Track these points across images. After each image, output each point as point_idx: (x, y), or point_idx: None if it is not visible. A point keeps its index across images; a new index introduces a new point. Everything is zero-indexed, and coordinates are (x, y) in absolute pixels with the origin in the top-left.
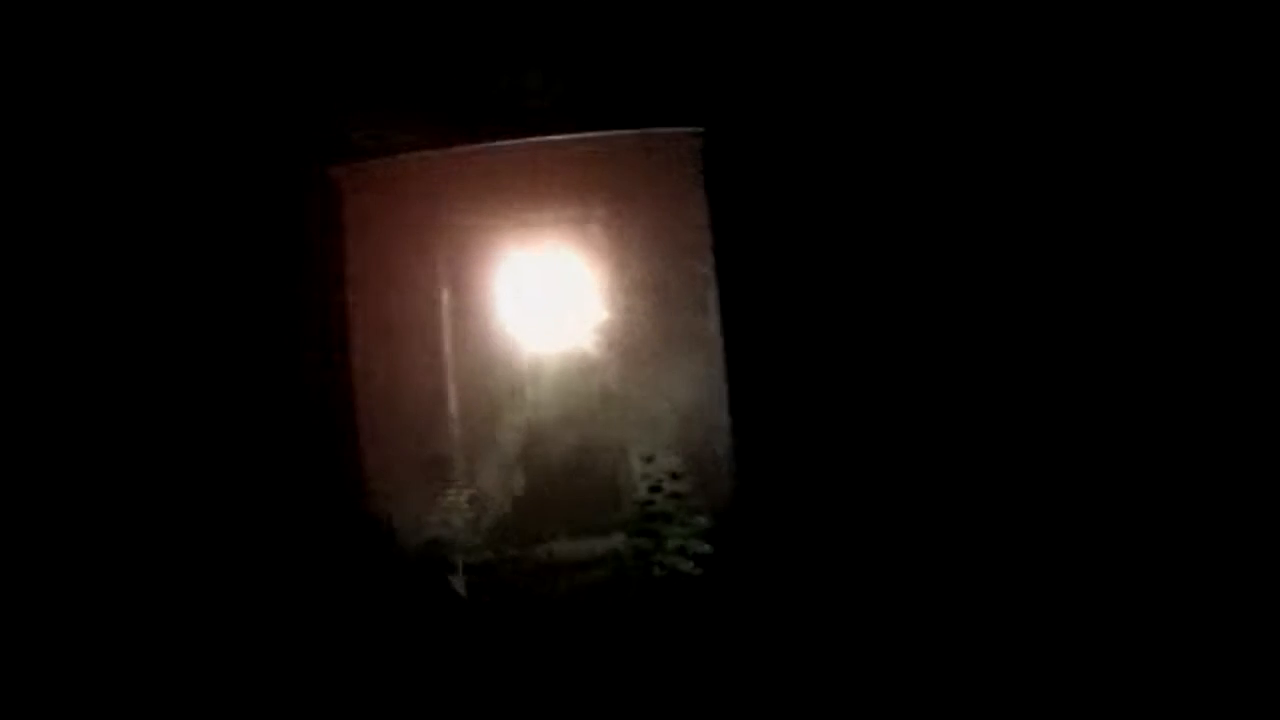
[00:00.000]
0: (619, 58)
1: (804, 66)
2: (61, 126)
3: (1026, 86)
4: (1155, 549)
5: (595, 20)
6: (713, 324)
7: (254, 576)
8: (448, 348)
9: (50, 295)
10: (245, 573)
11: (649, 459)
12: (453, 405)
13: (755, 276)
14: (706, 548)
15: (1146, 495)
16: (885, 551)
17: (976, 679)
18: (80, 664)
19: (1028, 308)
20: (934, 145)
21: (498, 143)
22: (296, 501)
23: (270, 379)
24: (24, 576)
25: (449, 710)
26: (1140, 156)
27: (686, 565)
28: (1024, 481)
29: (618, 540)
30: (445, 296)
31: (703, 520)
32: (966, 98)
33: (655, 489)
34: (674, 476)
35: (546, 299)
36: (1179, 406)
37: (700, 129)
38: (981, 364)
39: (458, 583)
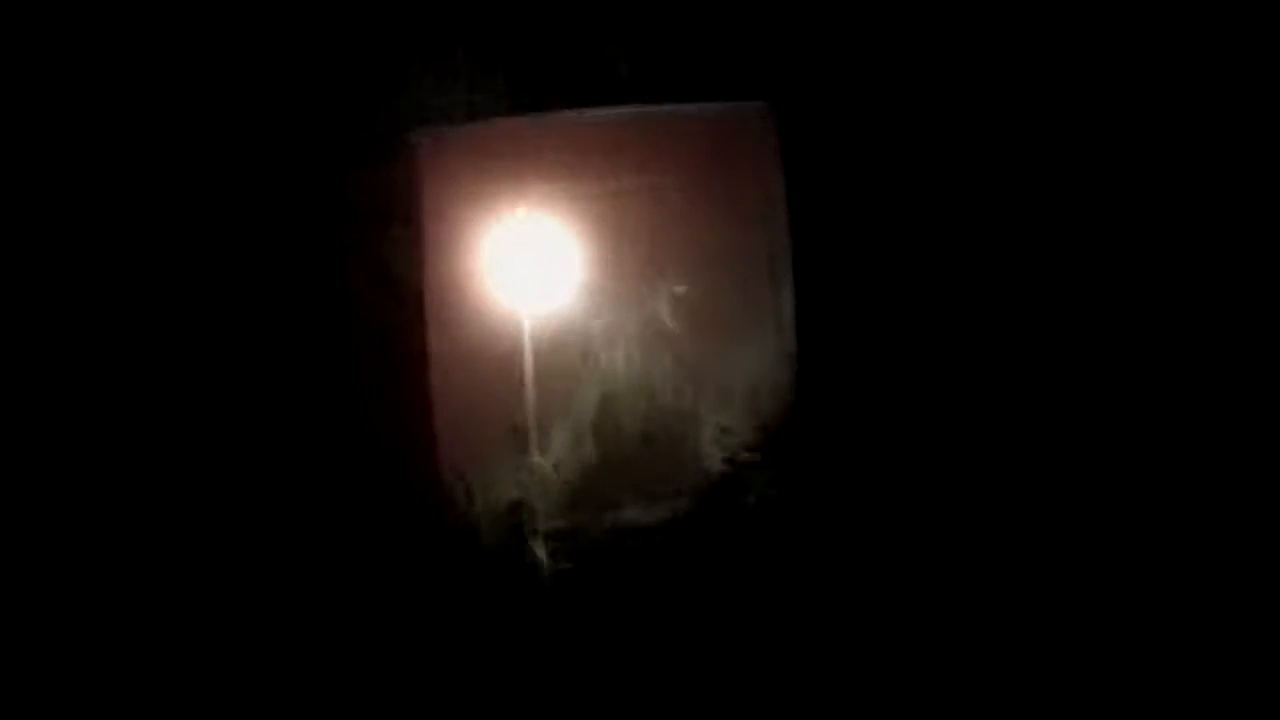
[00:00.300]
0: (700, 29)
1: (883, 42)
2: (155, 99)
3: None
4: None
5: None
6: (787, 297)
7: (324, 543)
8: (524, 315)
9: (145, 261)
10: (321, 546)
11: (724, 429)
12: (528, 373)
13: (829, 251)
14: (778, 518)
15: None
16: (954, 536)
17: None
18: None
19: (1110, 294)
20: (1024, 125)
21: (577, 111)
22: (370, 466)
23: (347, 347)
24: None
25: (529, 676)
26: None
27: (757, 536)
28: (1100, 475)
29: (690, 509)
30: (521, 265)
31: (775, 491)
32: (1058, 70)
33: (729, 460)
34: (748, 448)
35: (622, 268)
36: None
37: (781, 102)
38: (1060, 347)
39: (537, 548)
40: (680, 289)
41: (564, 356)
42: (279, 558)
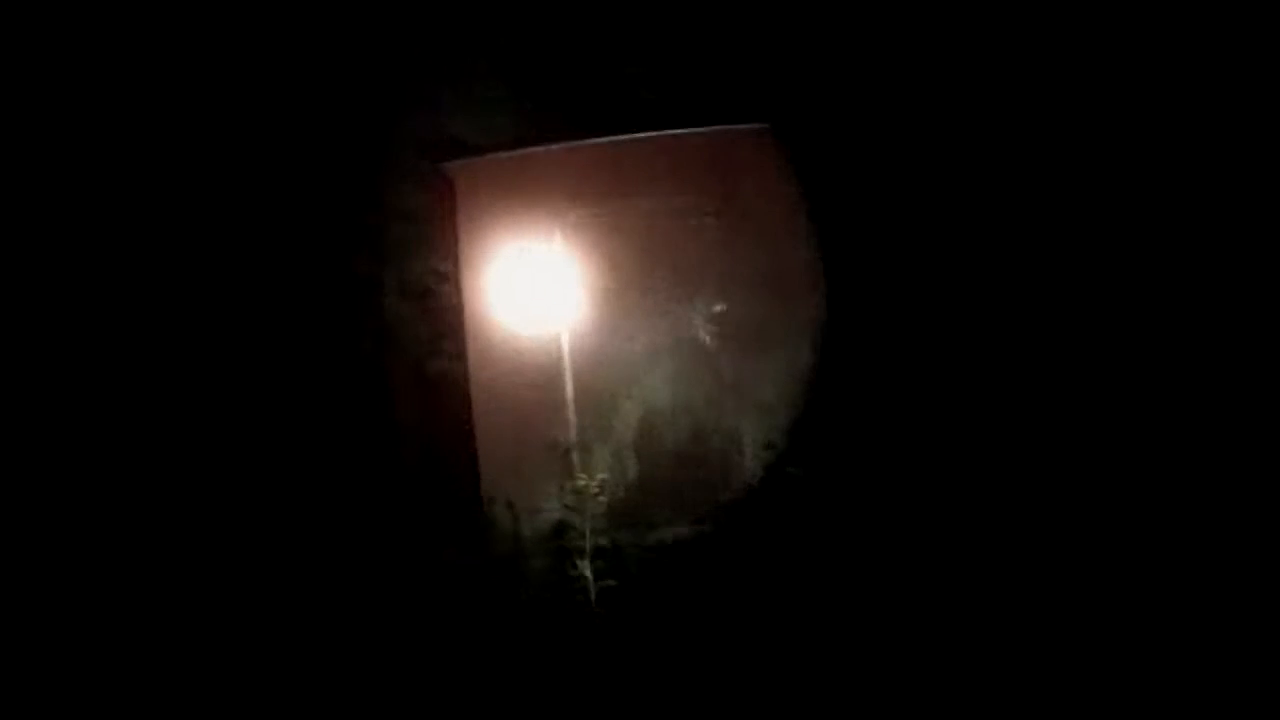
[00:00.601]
0: (734, 56)
1: (908, 66)
2: (181, 124)
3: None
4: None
5: (703, 17)
6: (822, 315)
7: (371, 563)
8: (563, 337)
9: (167, 287)
10: (362, 560)
11: (768, 446)
12: (568, 393)
13: (863, 268)
14: (821, 535)
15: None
16: (990, 551)
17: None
18: (199, 628)
19: (1128, 301)
20: (1050, 138)
21: (609, 137)
22: (414, 488)
23: (389, 372)
24: (142, 550)
25: (574, 691)
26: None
27: (799, 553)
28: (1122, 482)
29: (731, 526)
30: (559, 287)
31: (817, 507)
32: (1077, 82)
33: (772, 475)
34: (789, 464)
35: (657, 288)
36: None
37: (812, 125)
38: (1091, 362)
39: (583, 566)
40: (719, 307)
41: (604, 377)
42: (327, 581)
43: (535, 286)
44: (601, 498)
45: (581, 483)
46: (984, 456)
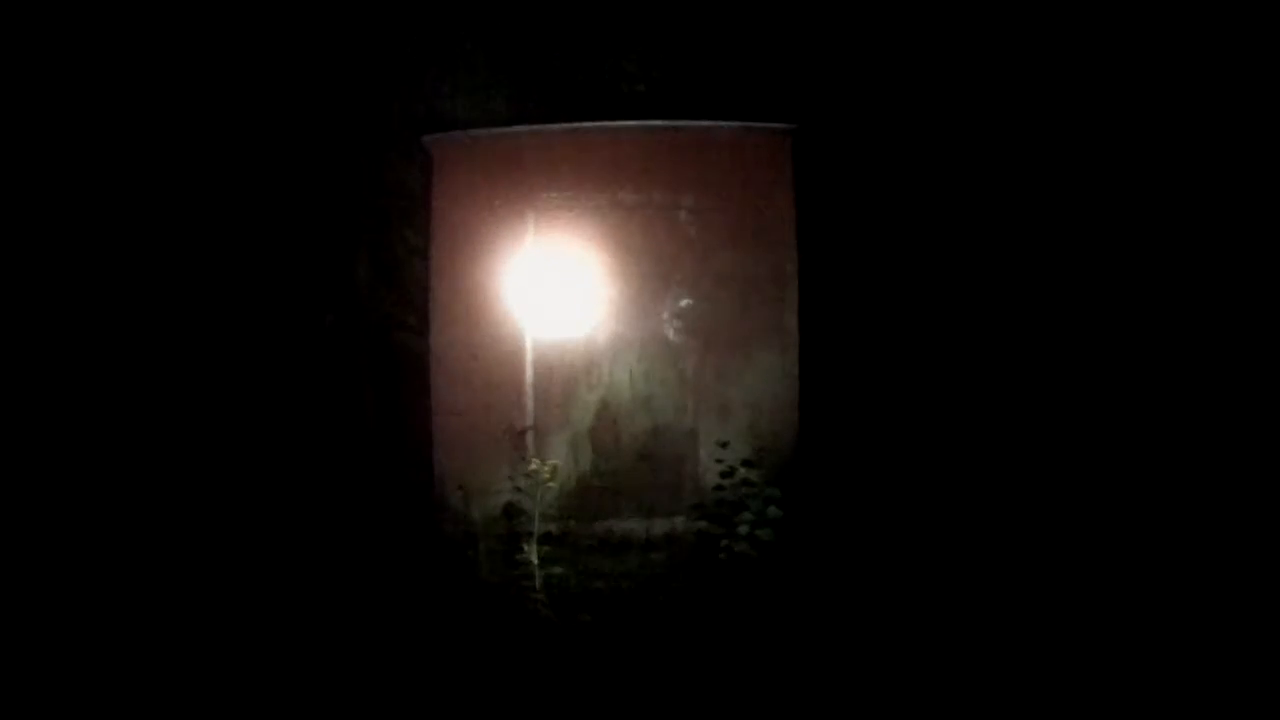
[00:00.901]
0: (717, 50)
1: (900, 71)
2: (167, 94)
3: (1123, 88)
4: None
5: (696, 11)
6: (791, 319)
7: (323, 541)
8: (527, 321)
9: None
10: (315, 537)
11: (724, 444)
12: (528, 378)
13: (836, 275)
14: (773, 536)
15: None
16: (950, 556)
17: (1039, 679)
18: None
19: (1118, 316)
20: (1025, 157)
21: (591, 123)
22: (367, 462)
23: (351, 342)
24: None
25: (505, 677)
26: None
27: (754, 553)
28: (1095, 484)
29: (683, 523)
30: (528, 271)
31: (773, 510)
32: (1061, 103)
33: (727, 475)
34: (746, 464)
35: (628, 281)
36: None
37: (793, 126)
38: (1061, 372)
39: (528, 550)
40: (685, 303)
41: (566, 364)
42: (277, 548)
43: (504, 267)
44: (552, 484)
45: (533, 466)
46: (958, 471)
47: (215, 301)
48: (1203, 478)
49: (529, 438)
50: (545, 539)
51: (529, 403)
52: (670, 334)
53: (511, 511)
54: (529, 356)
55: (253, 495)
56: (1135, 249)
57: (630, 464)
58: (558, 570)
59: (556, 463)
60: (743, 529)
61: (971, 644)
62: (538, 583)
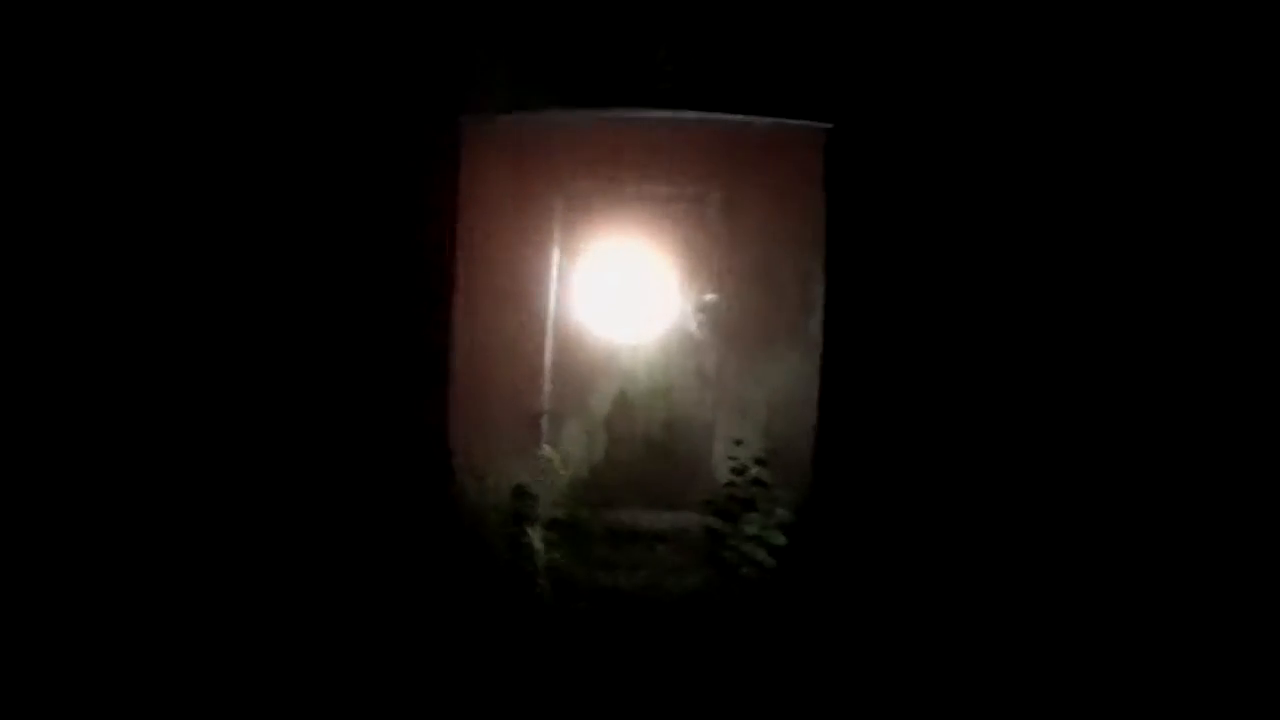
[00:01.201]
0: (755, 45)
1: (937, 76)
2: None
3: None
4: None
5: (736, 5)
6: (815, 320)
7: (342, 522)
8: (550, 308)
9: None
10: (334, 519)
11: (738, 442)
12: (547, 364)
13: (864, 280)
14: (782, 539)
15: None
16: (963, 566)
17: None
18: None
19: (1146, 327)
20: (1060, 164)
21: (623, 112)
22: (382, 446)
23: (380, 325)
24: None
25: (519, 661)
26: None
27: (760, 554)
28: (1119, 498)
29: (692, 518)
30: (553, 257)
31: (782, 512)
32: (1100, 107)
33: (739, 472)
34: (759, 463)
35: (653, 273)
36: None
37: (827, 125)
38: (1089, 385)
39: (533, 534)
40: (709, 297)
41: (586, 352)
42: (293, 532)
43: (529, 253)
44: (564, 470)
45: (546, 451)
46: (979, 475)
47: (234, 282)
48: (1228, 484)
49: (544, 423)
50: (553, 525)
51: (546, 388)
52: (693, 328)
53: (520, 494)
54: (549, 342)
55: (261, 478)
56: (1170, 252)
57: (644, 455)
58: (561, 556)
59: (569, 449)
60: (750, 529)
61: (992, 675)
62: (540, 567)
